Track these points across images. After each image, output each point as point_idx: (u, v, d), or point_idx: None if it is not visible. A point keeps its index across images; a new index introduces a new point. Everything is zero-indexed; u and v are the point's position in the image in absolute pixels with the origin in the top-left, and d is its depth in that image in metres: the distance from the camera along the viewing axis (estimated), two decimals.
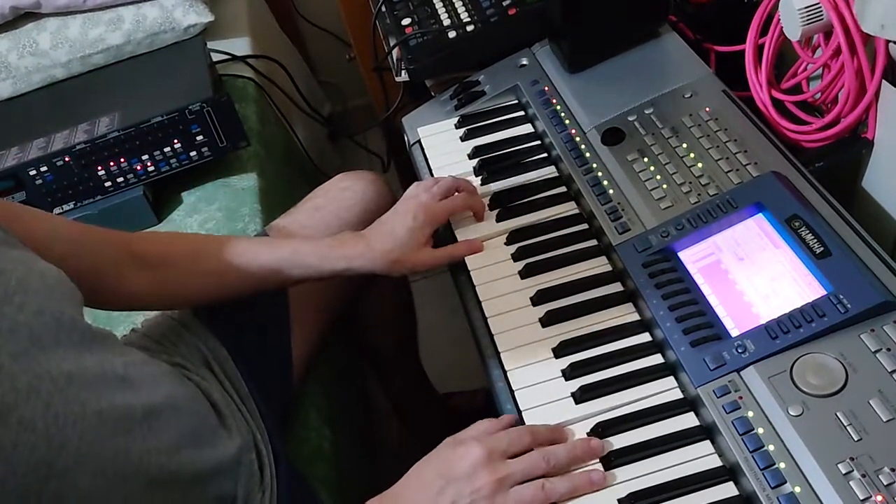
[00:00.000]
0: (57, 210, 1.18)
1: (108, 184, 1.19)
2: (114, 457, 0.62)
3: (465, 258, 0.89)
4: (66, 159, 1.16)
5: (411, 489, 0.68)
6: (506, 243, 0.89)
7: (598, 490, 0.67)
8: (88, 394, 0.62)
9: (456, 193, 0.92)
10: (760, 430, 0.65)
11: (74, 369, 0.61)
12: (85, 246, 0.79)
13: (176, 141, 1.18)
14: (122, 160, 1.18)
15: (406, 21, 1.13)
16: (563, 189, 0.94)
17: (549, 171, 0.96)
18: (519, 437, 0.69)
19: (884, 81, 0.81)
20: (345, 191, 1.05)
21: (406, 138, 1.09)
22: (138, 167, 1.19)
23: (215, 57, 1.45)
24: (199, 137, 1.19)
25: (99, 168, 1.17)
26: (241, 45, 1.52)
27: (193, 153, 1.20)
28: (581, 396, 0.73)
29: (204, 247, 0.88)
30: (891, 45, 0.79)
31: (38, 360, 0.59)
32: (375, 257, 0.86)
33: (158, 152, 1.18)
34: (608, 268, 0.84)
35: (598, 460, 0.69)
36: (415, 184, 0.93)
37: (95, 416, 0.61)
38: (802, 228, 0.74)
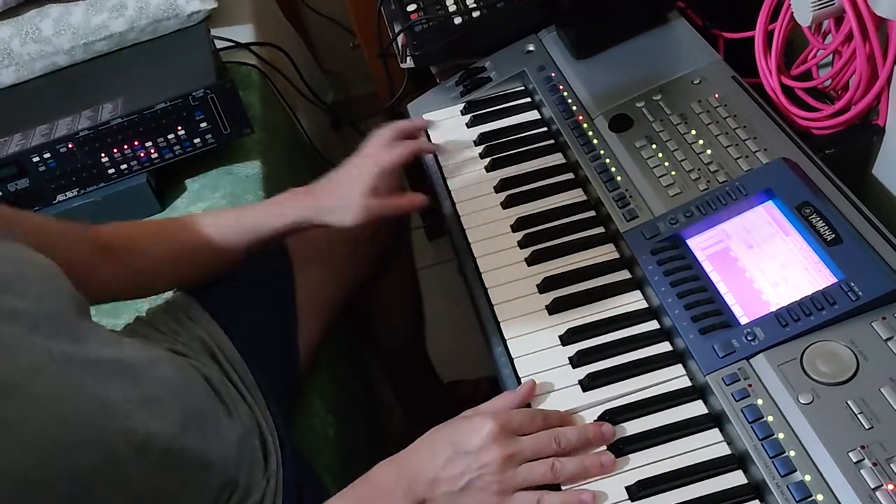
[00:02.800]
0: (60, 197, 1.18)
1: (111, 171, 1.18)
2: (114, 439, 0.62)
3: (473, 244, 0.88)
4: (70, 146, 1.15)
5: (422, 455, 0.68)
6: (512, 230, 0.89)
7: (607, 474, 0.67)
8: (87, 376, 0.62)
9: (407, 142, 0.93)
10: (770, 418, 0.64)
11: (73, 352, 0.62)
12: (58, 240, 0.79)
13: (180, 128, 1.17)
14: (125, 147, 1.17)
15: (411, 7, 1.12)
16: (570, 176, 0.93)
17: (555, 158, 0.96)
18: (532, 418, 0.69)
19: None
20: None
21: None
22: (142, 154, 1.18)
23: (219, 44, 1.43)
24: (203, 124, 1.18)
25: (102, 155, 1.17)
26: (244, 33, 1.51)
27: (197, 140, 1.19)
28: (589, 384, 0.73)
29: (164, 229, 0.89)
30: None
31: (39, 343, 0.59)
32: (317, 207, 0.88)
33: (162, 139, 1.18)
34: (616, 255, 0.83)
35: (606, 447, 0.68)
36: (372, 136, 0.95)
37: (94, 398, 0.62)
38: (813, 215, 0.73)
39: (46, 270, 0.66)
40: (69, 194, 1.18)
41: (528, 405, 0.73)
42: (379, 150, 0.90)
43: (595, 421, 0.70)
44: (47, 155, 1.15)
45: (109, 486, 0.61)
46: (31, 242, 0.71)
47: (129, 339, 0.81)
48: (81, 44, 1.38)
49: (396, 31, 1.17)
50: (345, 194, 0.87)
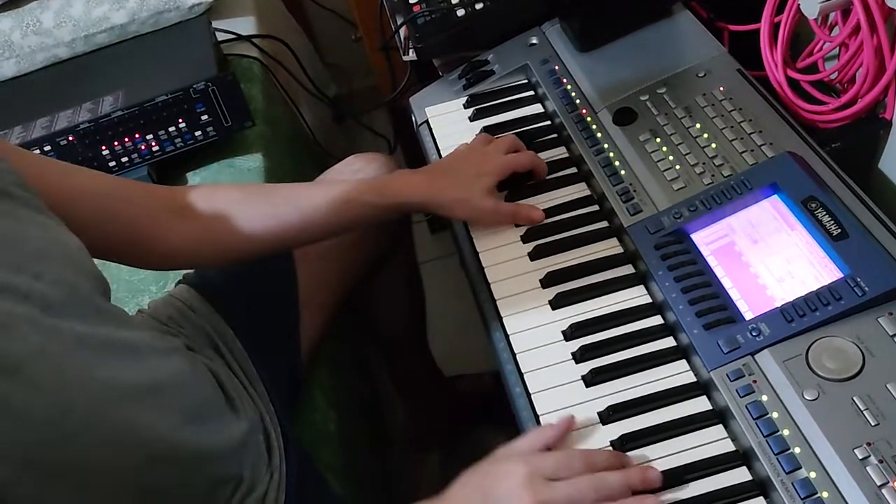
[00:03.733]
0: None
1: (112, 164, 1.17)
2: (118, 428, 0.61)
3: (476, 239, 0.87)
4: (70, 139, 1.15)
5: (455, 501, 0.65)
6: (515, 224, 0.88)
7: None
8: (96, 360, 0.61)
9: (530, 152, 0.91)
10: (775, 415, 0.64)
11: (84, 335, 0.61)
12: (119, 201, 0.77)
13: (181, 120, 1.17)
14: (126, 140, 1.17)
15: None
16: (573, 170, 0.92)
17: (559, 152, 0.95)
18: (568, 462, 0.64)
19: None
20: (356, 173, 1.03)
21: (413, 118, 1.08)
22: (143, 147, 1.17)
23: (220, 36, 1.43)
24: (204, 117, 1.17)
25: (103, 148, 1.16)
26: (246, 25, 1.50)
27: (198, 133, 1.18)
28: (592, 379, 0.72)
29: (252, 193, 0.84)
30: None
31: (49, 324, 0.58)
32: (435, 192, 0.84)
33: (163, 132, 1.17)
34: (619, 249, 0.83)
35: (609, 446, 0.67)
36: (479, 136, 0.93)
37: (101, 383, 0.61)
38: (819, 210, 0.72)
39: (69, 251, 0.64)
40: None
41: (533, 406, 0.71)
42: (501, 153, 0.88)
43: (598, 414, 0.70)
44: (48, 147, 1.14)
45: (110, 474, 0.61)
46: (67, 201, 0.70)
47: (141, 326, 0.80)
48: (82, 36, 1.38)
49: (399, 23, 1.16)
50: (469, 187, 0.85)
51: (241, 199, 0.82)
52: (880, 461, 0.58)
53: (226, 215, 0.81)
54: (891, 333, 0.65)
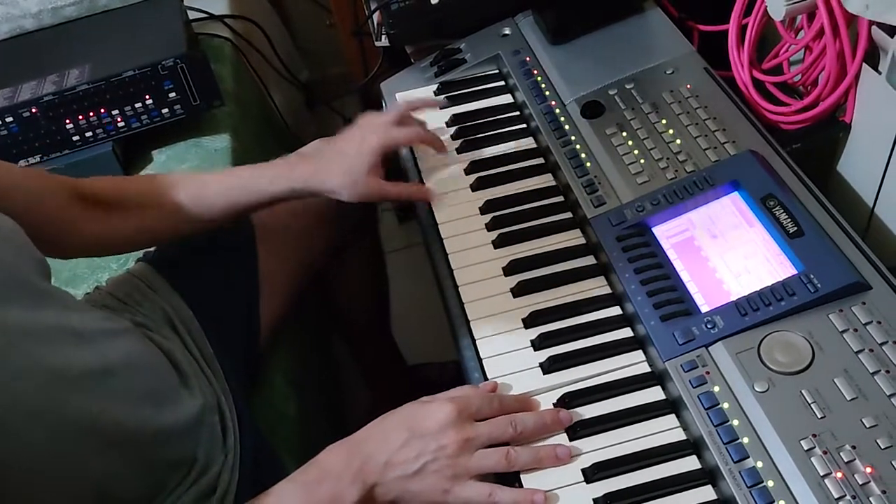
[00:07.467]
0: (22, 163, 1.15)
1: (76, 138, 1.15)
2: (68, 414, 0.60)
3: (440, 225, 0.88)
4: (34, 110, 1.13)
5: (375, 438, 0.67)
6: (480, 213, 0.88)
7: (562, 465, 0.66)
8: (43, 348, 0.60)
9: (414, 126, 0.92)
10: (726, 405, 0.65)
11: (29, 323, 0.60)
12: (41, 193, 0.77)
13: (148, 97, 1.15)
14: (91, 114, 1.15)
15: None
16: (540, 160, 0.93)
17: (527, 142, 0.95)
18: (489, 402, 0.69)
19: (864, 65, 0.82)
20: None
21: (384, 104, 1.08)
22: (108, 122, 1.16)
23: (192, 15, 1.41)
24: (172, 94, 1.16)
25: (67, 121, 1.14)
26: (218, 5, 1.48)
27: (165, 110, 1.17)
28: (549, 367, 0.73)
29: (156, 186, 0.85)
30: (873, 28, 0.79)
31: None
32: (325, 177, 0.85)
33: (129, 108, 1.15)
34: (582, 240, 0.83)
35: (564, 434, 0.69)
36: (363, 115, 0.92)
37: (50, 371, 0.60)
38: (777, 208, 0.74)
39: (4, 233, 0.63)
40: (31, 160, 1.15)
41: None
42: (386, 129, 0.88)
43: (553, 403, 0.71)
44: (10, 119, 1.12)
45: (60, 467, 0.60)
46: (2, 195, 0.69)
47: (92, 308, 0.79)
48: (49, 8, 1.35)
49: (372, 8, 1.16)
50: (350, 169, 0.85)
51: (145, 194, 0.85)
52: (824, 452, 0.60)
53: (131, 210, 0.83)
54: (840, 330, 0.66)
